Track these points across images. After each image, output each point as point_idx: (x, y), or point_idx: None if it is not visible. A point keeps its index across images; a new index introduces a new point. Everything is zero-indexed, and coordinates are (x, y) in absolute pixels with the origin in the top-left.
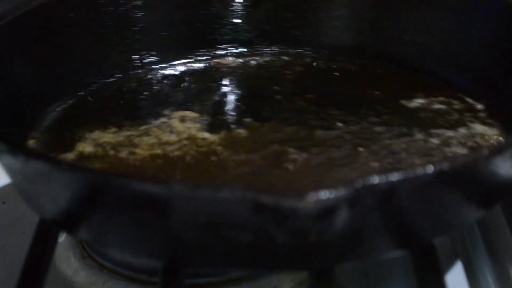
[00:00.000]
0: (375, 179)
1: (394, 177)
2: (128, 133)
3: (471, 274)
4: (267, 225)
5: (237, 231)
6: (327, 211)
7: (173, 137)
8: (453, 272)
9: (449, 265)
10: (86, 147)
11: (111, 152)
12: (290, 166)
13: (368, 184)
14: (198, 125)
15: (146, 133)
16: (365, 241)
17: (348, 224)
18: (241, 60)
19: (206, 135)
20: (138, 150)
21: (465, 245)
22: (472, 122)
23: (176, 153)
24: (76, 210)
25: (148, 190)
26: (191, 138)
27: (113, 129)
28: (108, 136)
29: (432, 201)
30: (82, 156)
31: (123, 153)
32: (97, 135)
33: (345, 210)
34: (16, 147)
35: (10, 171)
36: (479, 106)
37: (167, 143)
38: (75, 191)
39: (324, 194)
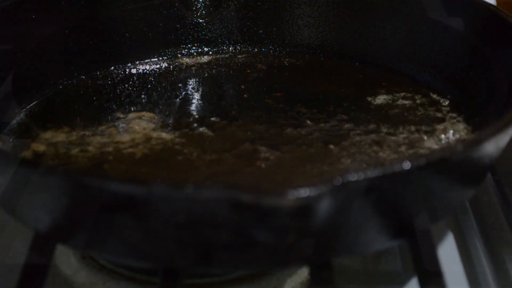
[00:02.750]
0: (353, 176)
1: (372, 173)
2: (82, 132)
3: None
4: (248, 223)
5: (217, 229)
6: (307, 208)
7: (126, 136)
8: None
9: (442, 237)
10: (39, 147)
11: (62, 150)
12: (263, 165)
13: (347, 180)
14: (153, 125)
15: (100, 133)
16: (353, 234)
17: (329, 220)
18: (205, 60)
19: (162, 134)
20: (89, 148)
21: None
22: (436, 116)
23: (129, 150)
24: (61, 218)
25: (128, 190)
26: (145, 137)
27: (66, 129)
28: (60, 136)
29: (412, 192)
30: (36, 155)
31: (74, 151)
32: (50, 134)
33: (324, 206)
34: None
35: None
36: (443, 101)
37: (120, 141)
38: (57, 195)
39: (304, 192)
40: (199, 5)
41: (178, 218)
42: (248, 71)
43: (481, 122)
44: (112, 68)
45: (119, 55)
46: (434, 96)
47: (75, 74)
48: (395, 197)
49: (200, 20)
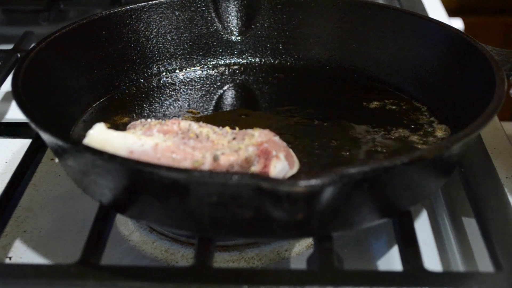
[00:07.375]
0: (350, 170)
1: (364, 168)
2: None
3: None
4: (266, 204)
5: (242, 208)
6: (314, 194)
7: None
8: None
9: (418, 214)
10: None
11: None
12: None
13: (345, 173)
14: (194, 117)
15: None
16: (350, 214)
17: (330, 203)
18: (236, 68)
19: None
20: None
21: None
22: (418, 119)
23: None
24: (120, 195)
25: (173, 176)
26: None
27: (127, 117)
28: (124, 120)
29: (397, 183)
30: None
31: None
32: (114, 119)
33: (327, 193)
34: (75, 144)
35: (65, 165)
36: (422, 107)
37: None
38: (118, 177)
39: (312, 181)
40: (233, 26)
41: (212, 198)
42: (270, 78)
43: (453, 125)
44: (164, 73)
45: (166, 65)
46: (415, 103)
47: (135, 78)
48: (383, 187)
49: (233, 38)
